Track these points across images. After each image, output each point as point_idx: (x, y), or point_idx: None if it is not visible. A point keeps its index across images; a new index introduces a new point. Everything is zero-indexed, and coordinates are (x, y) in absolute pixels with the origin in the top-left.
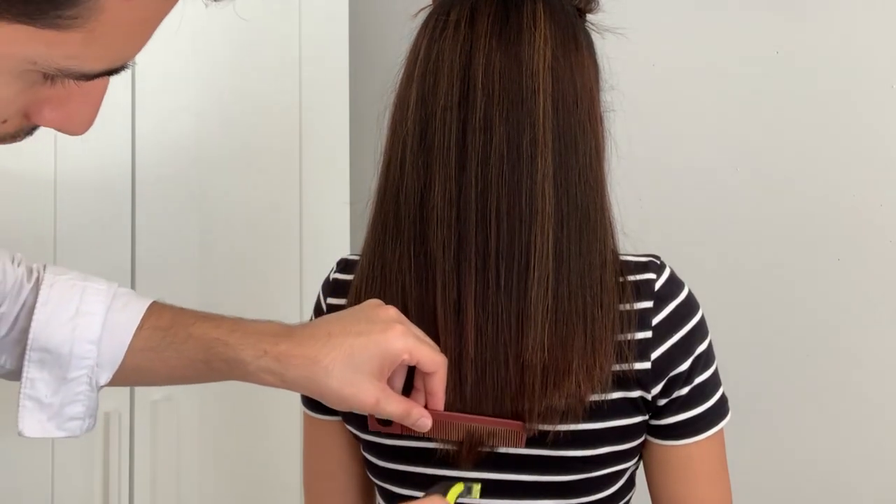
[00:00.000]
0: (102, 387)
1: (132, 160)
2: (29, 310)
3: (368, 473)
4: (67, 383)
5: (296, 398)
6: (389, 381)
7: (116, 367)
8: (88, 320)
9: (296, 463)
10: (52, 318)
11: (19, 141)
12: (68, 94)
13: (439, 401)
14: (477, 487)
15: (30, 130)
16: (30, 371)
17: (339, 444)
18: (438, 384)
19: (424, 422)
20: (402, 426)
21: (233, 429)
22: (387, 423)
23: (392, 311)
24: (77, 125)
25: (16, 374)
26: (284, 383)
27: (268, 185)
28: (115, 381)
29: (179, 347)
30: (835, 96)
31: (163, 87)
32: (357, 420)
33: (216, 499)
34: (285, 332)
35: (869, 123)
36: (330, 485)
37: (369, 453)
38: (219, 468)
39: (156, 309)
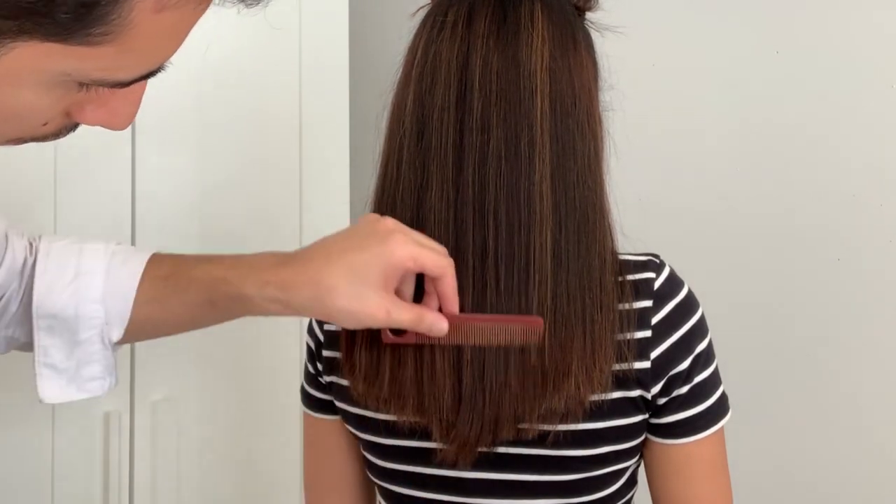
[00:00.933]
0: (117, 343)
1: (132, 161)
2: (31, 282)
3: (368, 473)
4: (80, 345)
5: (295, 398)
6: (398, 291)
7: (126, 321)
8: (90, 280)
9: (296, 463)
10: (53, 284)
11: (62, 137)
12: (108, 94)
13: (452, 304)
14: None
15: (72, 127)
16: (41, 339)
17: (338, 444)
18: (448, 287)
19: (440, 325)
20: (417, 335)
21: (233, 429)
22: (401, 333)
23: (390, 222)
24: (118, 122)
25: (30, 346)
26: (291, 309)
27: (268, 186)
28: (128, 335)
29: (183, 294)
30: (835, 96)
31: (162, 87)
32: (356, 419)
33: (216, 499)
34: (284, 260)
35: (869, 123)
36: (330, 484)
37: (369, 452)
38: (219, 468)
39: (155, 260)
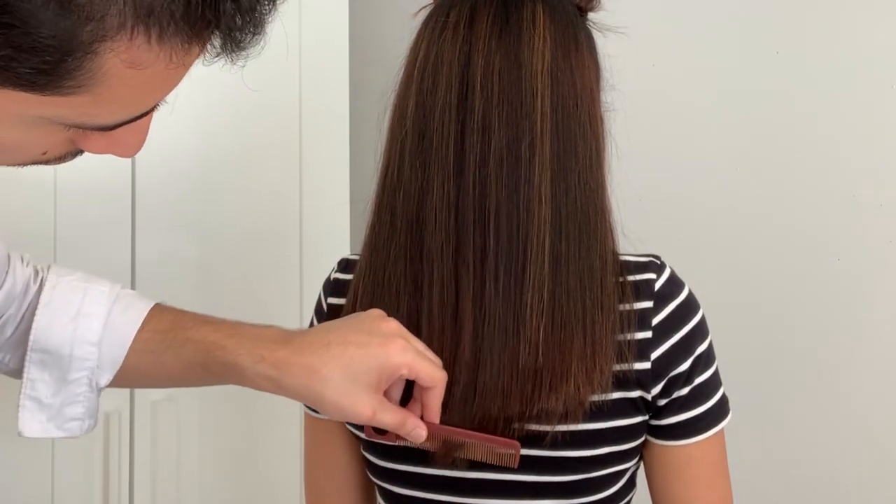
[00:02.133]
0: (103, 388)
1: (132, 161)
2: (32, 311)
3: (368, 473)
4: (68, 384)
5: None
6: (387, 392)
7: (117, 368)
8: (89, 322)
9: (296, 463)
10: (54, 320)
11: (68, 161)
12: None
13: (435, 414)
14: None
15: (77, 153)
16: (30, 372)
17: (339, 444)
18: (435, 399)
19: (419, 433)
20: (398, 436)
21: (233, 429)
22: (382, 431)
23: (394, 325)
24: (125, 150)
25: (18, 373)
26: (281, 390)
27: (268, 186)
28: (115, 382)
29: (178, 351)
30: (835, 96)
31: None
32: None
33: (216, 499)
34: (284, 338)
35: (869, 123)
36: (330, 484)
37: (369, 453)
38: (219, 468)
39: (157, 311)
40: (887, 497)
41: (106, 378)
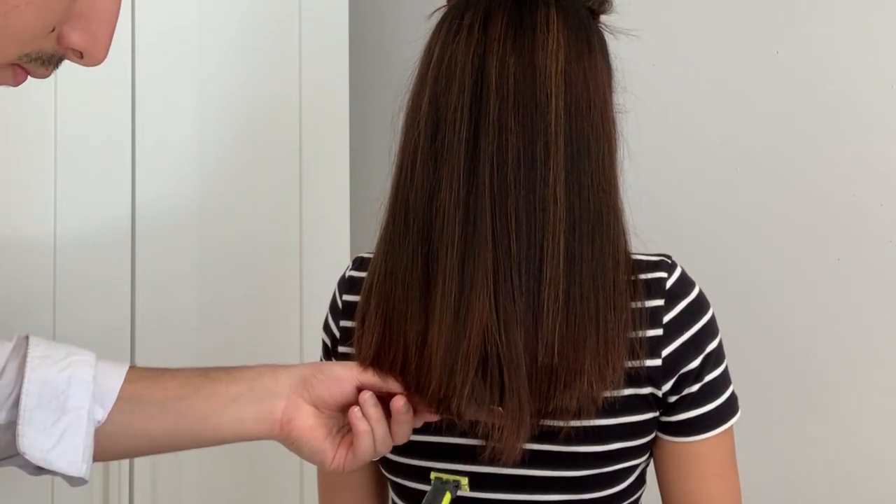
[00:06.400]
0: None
1: (132, 161)
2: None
3: (381, 468)
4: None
5: None
6: None
7: (111, 403)
8: (81, 359)
9: (296, 462)
10: (45, 361)
11: (49, 74)
12: (92, 12)
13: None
14: (464, 482)
15: (58, 62)
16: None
17: None
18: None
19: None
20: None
21: None
22: None
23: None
24: (100, 47)
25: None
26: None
27: (268, 186)
28: (108, 426)
29: (169, 379)
30: (835, 96)
31: (163, 87)
32: None
33: (216, 499)
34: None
35: (869, 123)
36: (342, 480)
37: None
38: (219, 468)
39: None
40: (888, 496)
41: (101, 413)
